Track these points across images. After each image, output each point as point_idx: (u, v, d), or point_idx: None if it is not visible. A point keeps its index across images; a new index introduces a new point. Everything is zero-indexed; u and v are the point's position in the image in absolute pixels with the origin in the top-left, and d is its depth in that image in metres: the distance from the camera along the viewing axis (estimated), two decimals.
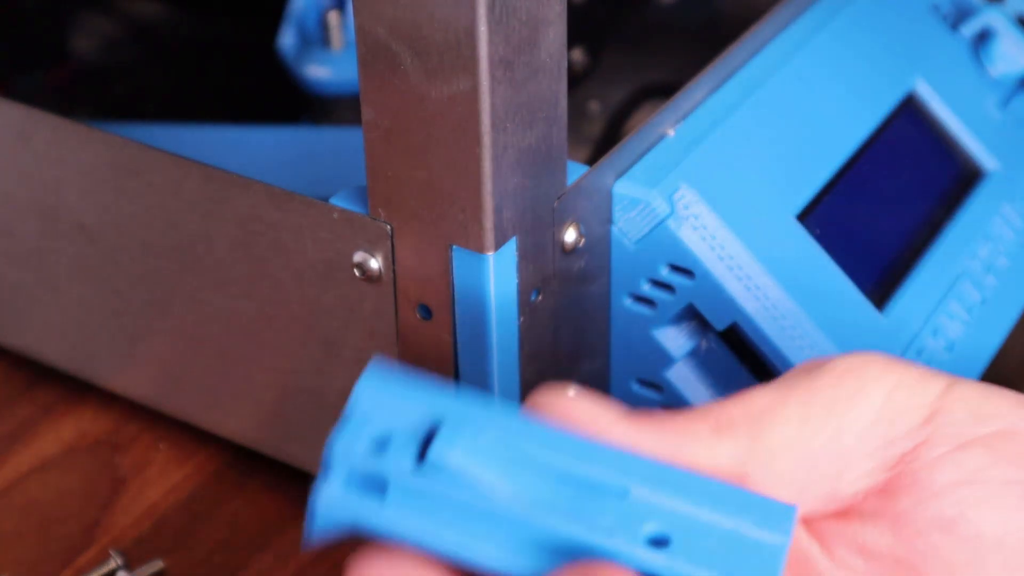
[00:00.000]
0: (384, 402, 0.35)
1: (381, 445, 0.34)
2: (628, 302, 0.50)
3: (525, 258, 0.46)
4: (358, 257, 0.47)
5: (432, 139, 0.43)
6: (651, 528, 0.35)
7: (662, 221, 0.48)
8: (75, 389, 0.61)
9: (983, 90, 0.59)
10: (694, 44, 0.70)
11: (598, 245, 0.49)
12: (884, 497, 0.37)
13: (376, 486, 0.34)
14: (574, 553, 0.34)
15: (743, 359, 0.50)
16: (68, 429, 0.60)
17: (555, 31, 0.44)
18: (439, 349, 0.47)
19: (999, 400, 0.38)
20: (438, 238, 0.45)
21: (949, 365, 0.51)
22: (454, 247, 0.45)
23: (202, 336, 0.54)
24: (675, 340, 0.50)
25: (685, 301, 0.48)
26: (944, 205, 0.56)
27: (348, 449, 0.34)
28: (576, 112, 0.66)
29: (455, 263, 0.45)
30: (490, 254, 0.44)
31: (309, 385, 0.52)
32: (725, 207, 0.48)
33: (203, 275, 0.52)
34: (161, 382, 0.57)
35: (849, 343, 0.48)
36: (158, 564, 0.53)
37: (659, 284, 0.49)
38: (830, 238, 0.51)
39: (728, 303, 0.48)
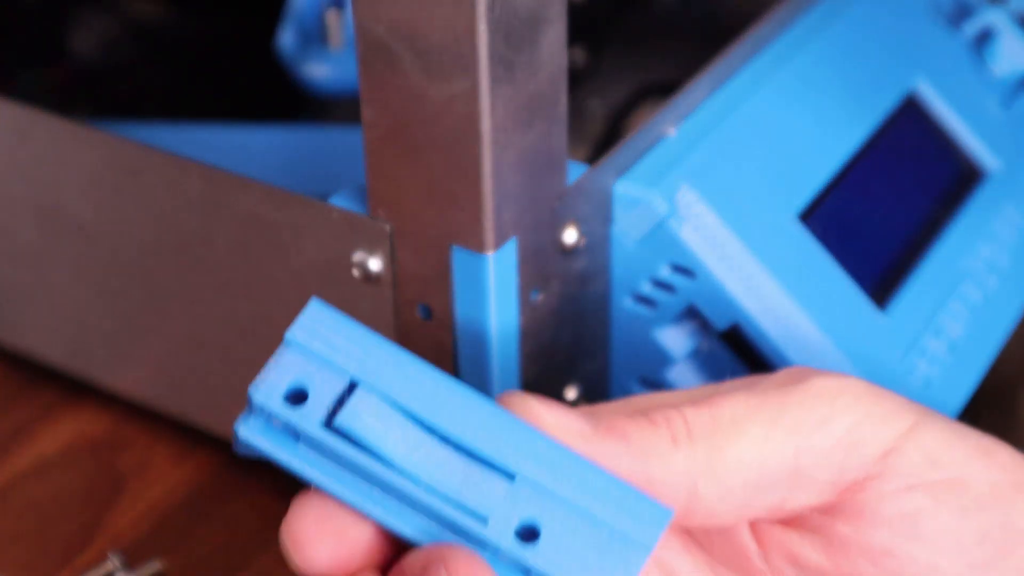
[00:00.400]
0: (313, 348, 0.36)
1: (299, 397, 0.36)
2: (628, 302, 0.50)
3: (525, 258, 0.46)
4: (358, 257, 0.47)
5: (432, 139, 0.43)
6: (525, 516, 0.36)
7: (662, 221, 0.48)
8: (74, 389, 0.61)
9: (984, 90, 0.59)
10: (694, 44, 0.70)
11: (598, 245, 0.49)
12: (827, 517, 0.39)
13: (290, 433, 0.36)
14: (454, 529, 0.36)
15: (743, 359, 0.50)
16: (67, 429, 0.60)
17: (555, 31, 0.44)
18: (439, 349, 0.47)
19: (957, 448, 0.40)
20: (438, 238, 0.45)
21: (950, 365, 0.51)
22: (454, 247, 0.45)
23: (202, 336, 0.54)
24: (675, 340, 0.50)
25: (686, 301, 0.48)
26: (945, 205, 0.56)
27: (268, 396, 0.36)
28: (576, 112, 0.66)
29: (455, 263, 0.45)
30: (490, 254, 0.44)
31: None
32: (726, 207, 0.48)
33: (203, 275, 0.52)
34: (161, 382, 0.57)
35: (850, 343, 0.48)
36: (157, 564, 0.53)
37: (659, 284, 0.49)
38: (831, 238, 0.51)
39: (729, 303, 0.48)
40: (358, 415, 0.36)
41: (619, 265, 0.49)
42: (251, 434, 0.37)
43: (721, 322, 0.48)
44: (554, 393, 0.50)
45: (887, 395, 0.40)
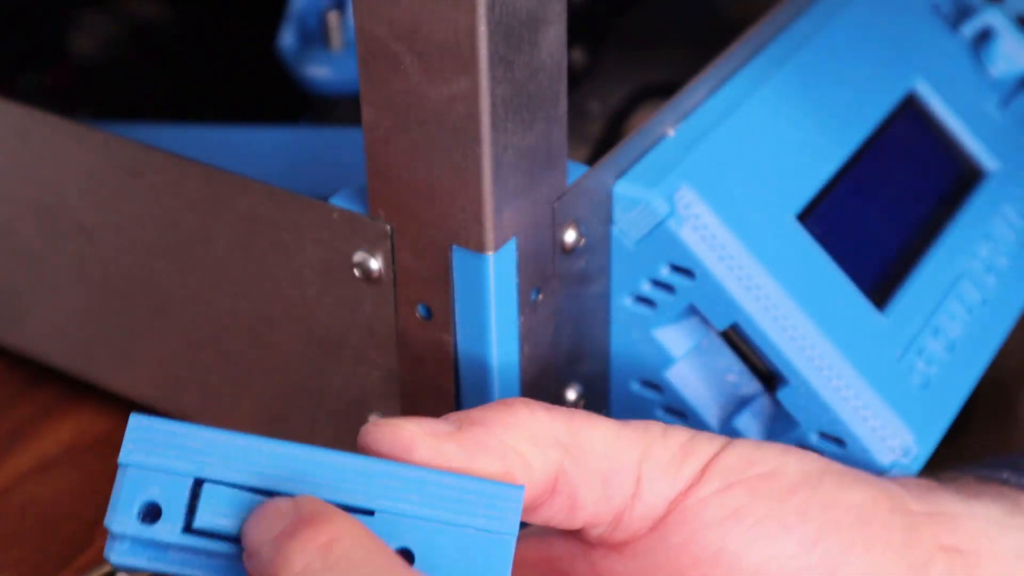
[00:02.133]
0: (148, 463, 0.38)
1: (153, 513, 0.38)
2: (628, 302, 0.50)
3: (525, 258, 0.46)
4: (358, 257, 0.47)
5: (432, 139, 0.43)
6: (394, 546, 0.37)
7: (662, 221, 0.48)
8: (75, 389, 0.61)
9: (983, 90, 0.59)
10: (693, 45, 0.70)
11: (598, 245, 0.49)
12: (657, 535, 0.42)
13: (156, 546, 0.38)
14: None
15: (743, 359, 0.50)
16: (68, 429, 0.60)
17: (555, 31, 0.44)
18: (439, 349, 0.47)
19: (767, 449, 0.43)
20: (438, 238, 0.45)
21: (949, 365, 0.51)
22: (454, 247, 0.45)
23: (202, 336, 0.54)
24: (675, 340, 0.50)
25: (685, 301, 0.48)
26: (944, 205, 0.56)
27: (124, 523, 0.37)
28: (576, 112, 0.66)
29: (455, 263, 0.45)
30: (490, 254, 0.44)
31: (309, 385, 0.52)
32: (725, 207, 0.48)
33: (203, 275, 0.52)
34: (161, 382, 0.57)
35: (849, 343, 0.48)
36: None
37: (659, 284, 0.49)
38: (830, 238, 0.51)
39: (728, 303, 0.48)
40: (211, 510, 0.37)
41: (619, 265, 0.49)
42: (123, 559, 0.38)
43: (721, 322, 0.48)
44: (554, 393, 0.50)
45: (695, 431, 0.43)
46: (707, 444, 0.42)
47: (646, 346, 0.50)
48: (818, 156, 0.52)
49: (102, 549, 0.54)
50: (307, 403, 0.52)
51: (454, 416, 0.40)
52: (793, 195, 0.51)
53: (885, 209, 0.54)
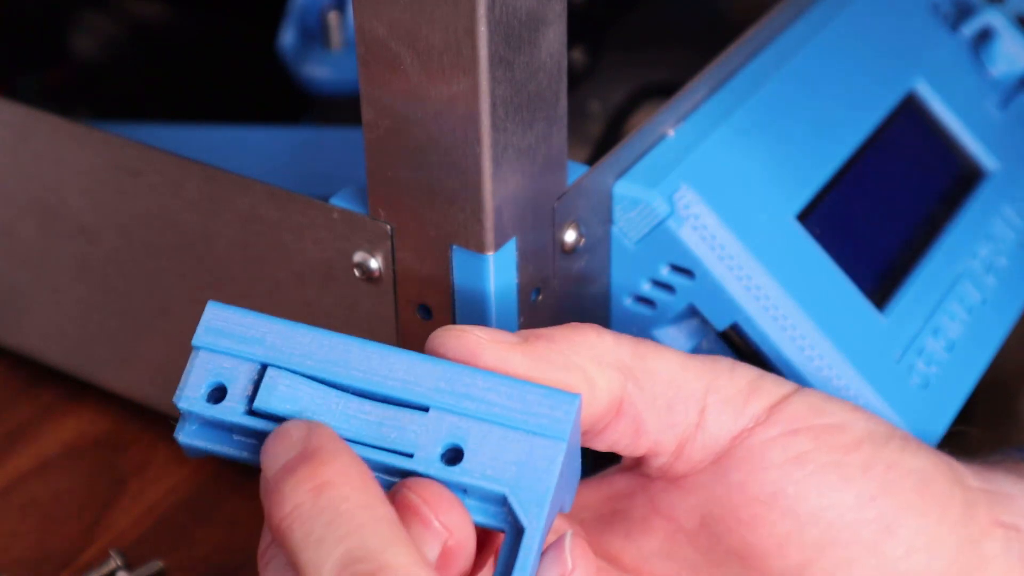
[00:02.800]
0: (219, 346, 0.40)
1: (218, 394, 0.39)
2: (628, 302, 0.50)
3: (525, 258, 0.46)
4: (358, 257, 0.47)
5: (432, 139, 0.43)
6: (446, 441, 0.38)
7: (662, 221, 0.48)
8: (75, 389, 0.61)
9: (983, 90, 0.59)
10: (695, 44, 0.70)
11: (598, 245, 0.49)
12: (718, 470, 0.42)
13: (222, 427, 0.40)
14: (386, 470, 0.39)
15: (743, 359, 0.50)
16: (68, 429, 0.60)
17: (555, 31, 0.44)
18: None
19: (836, 403, 0.43)
20: (438, 238, 0.45)
21: (949, 365, 0.51)
22: (454, 247, 0.45)
23: None
24: (675, 340, 0.50)
25: (685, 301, 0.48)
26: (944, 205, 0.56)
27: (191, 401, 0.40)
28: (576, 112, 0.66)
29: (455, 263, 0.45)
30: (490, 254, 0.44)
31: None
32: (725, 207, 0.48)
33: (203, 275, 0.52)
34: (161, 382, 0.57)
35: (849, 343, 0.48)
36: (158, 564, 0.53)
37: (659, 284, 0.49)
38: (830, 238, 0.51)
39: (728, 303, 0.48)
40: (271, 394, 0.39)
41: (619, 265, 0.49)
42: (190, 439, 0.40)
43: (720, 322, 0.48)
44: None
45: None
46: (775, 386, 0.43)
47: None
48: (818, 156, 0.52)
49: (102, 549, 0.55)
50: None
51: (522, 331, 0.40)
52: (793, 195, 0.51)
53: (885, 209, 0.54)
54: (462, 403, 0.38)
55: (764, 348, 0.48)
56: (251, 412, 0.39)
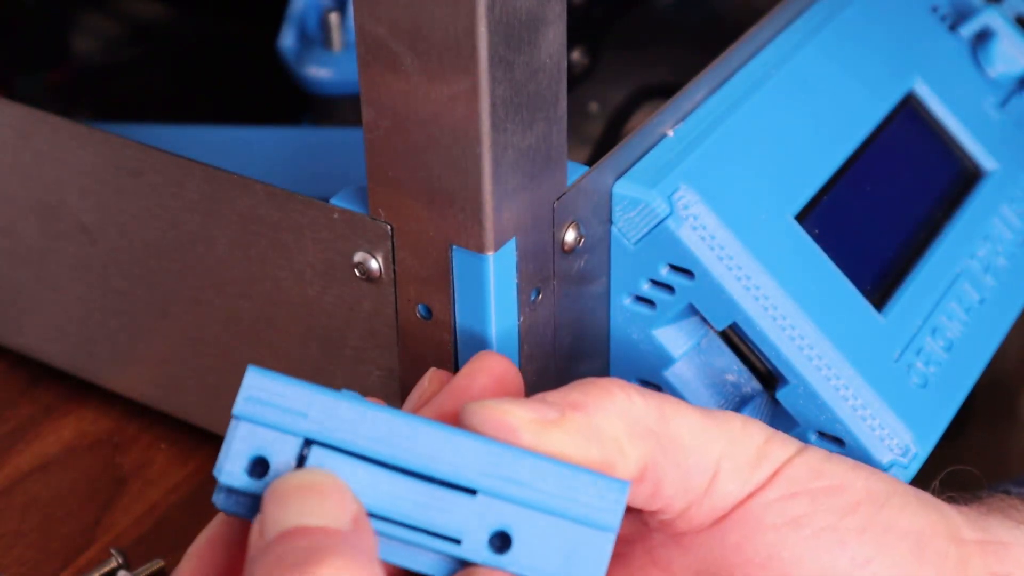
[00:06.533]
0: (261, 417, 0.38)
1: (260, 467, 0.38)
2: (628, 302, 0.50)
3: (525, 258, 0.46)
4: (358, 257, 0.47)
5: (432, 139, 0.43)
6: (494, 527, 0.38)
7: (662, 221, 0.48)
8: (76, 389, 0.61)
9: (982, 90, 0.59)
10: (694, 44, 0.70)
11: (598, 245, 0.49)
12: (716, 531, 0.42)
13: (259, 501, 0.38)
14: (433, 552, 0.38)
15: (743, 359, 0.50)
16: (69, 429, 0.60)
17: (555, 31, 0.44)
18: (439, 349, 0.47)
19: (838, 463, 0.43)
20: (438, 238, 0.45)
21: (948, 365, 0.51)
22: (454, 247, 0.45)
23: (202, 336, 0.54)
24: (675, 340, 0.50)
25: (685, 301, 0.48)
26: (943, 205, 0.56)
27: (231, 475, 0.38)
28: (576, 112, 0.66)
29: (455, 263, 0.45)
30: (490, 254, 0.45)
31: None
32: (725, 207, 0.48)
33: (203, 275, 0.52)
34: (161, 382, 0.57)
35: (848, 343, 0.49)
36: (158, 563, 0.53)
37: (659, 284, 0.49)
38: (829, 238, 0.51)
39: (728, 303, 0.48)
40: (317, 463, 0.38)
41: (618, 265, 0.49)
42: (229, 506, 0.39)
43: (720, 322, 0.48)
44: None
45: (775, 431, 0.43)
46: (781, 448, 0.42)
47: (646, 346, 0.50)
48: (817, 156, 0.52)
49: (102, 549, 0.55)
50: None
51: (553, 397, 0.40)
52: (792, 195, 0.51)
53: (884, 209, 0.54)
54: (509, 487, 0.38)
55: (763, 348, 0.48)
56: None
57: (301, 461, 0.38)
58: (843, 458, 0.44)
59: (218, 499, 0.38)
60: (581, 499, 0.38)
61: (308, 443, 0.38)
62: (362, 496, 0.37)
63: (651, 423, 0.40)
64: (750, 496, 0.42)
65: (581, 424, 0.39)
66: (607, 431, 0.40)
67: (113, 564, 0.53)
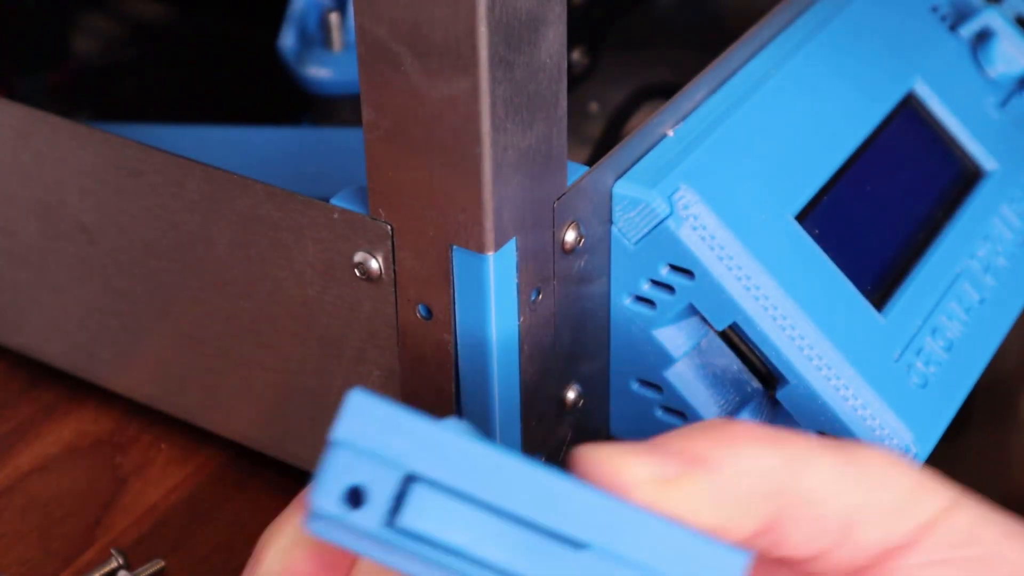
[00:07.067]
0: (361, 445, 0.35)
1: (356, 497, 0.35)
2: (628, 302, 0.50)
3: (525, 258, 0.46)
4: (358, 257, 0.47)
5: (432, 139, 0.43)
6: None
7: (662, 221, 0.48)
8: (76, 389, 0.61)
9: (982, 90, 0.59)
10: (694, 44, 0.70)
11: (598, 245, 0.49)
12: None
13: (353, 531, 0.35)
14: None
15: (743, 359, 0.50)
16: (69, 429, 0.60)
17: (555, 31, 0.44)
18: (439, 349, 0.47)
19: (991, 528, 0.39)
20: (438, 238, 0.45)
21: (948, 365, 0.51)
22: (454, 247, 0.45)
23: (202, 336, 0.54)
24: (675, 340, 0.50)
25: (685, 301, 0.48)
26: (943, 205, 0.56)
27: (326, 502, 0.35)
28: (576, 112, 0.66)
29: (455, 263, 0.45)
30: (490, 254, 0.45)
31: (309, 385, 0.52)
32: (725, 207, 0.48)
33: (203, 275, 0.52)
34: (161, 382, 0.57)
35: (848, 343, 0.49)
36: (159, 564, 0.53)
37: (659, 284, 0.49)
38: (829, 238, 0.51)
39: (728, 303, 0.48)
40: (419, 513, 0.35)
41: (618, 265, 0.49)
42: (320, 531, 0.36)
43: (720, 322, 0.48)
44: (554, 393, 0.50)
45: (926, 472, 0.39)
46: (931, 499, 0.38)
47: (646, 346, 0.50)
48: (817, 156, 0.52)
49: (103, 549, 0.55)
50: (307, 403, 0.53)
51: (675, 445, 0.37)
52: (792, 195, 0.51)
53: (884, 209, 0.54)
54: (621, 546, 0.35)
55: (763, 348, 0.48)
56: (391, 525, 0.35)
57: (401, 496, 0.35)
58: (998, 519, 0.40)
59: (311, 525, 0.36)
60: (695, 567, 0.35)
61: (409, 478, 0.35)
62: (467, 544, 0.35)
63: (780, 479, 0.37)
64: (890, 553, 0.38)
65: (704, 486, 0.36)
66: (731, 493, 0.37)
67: (113, 564, 0.53)
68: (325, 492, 0.35)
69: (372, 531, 0.35)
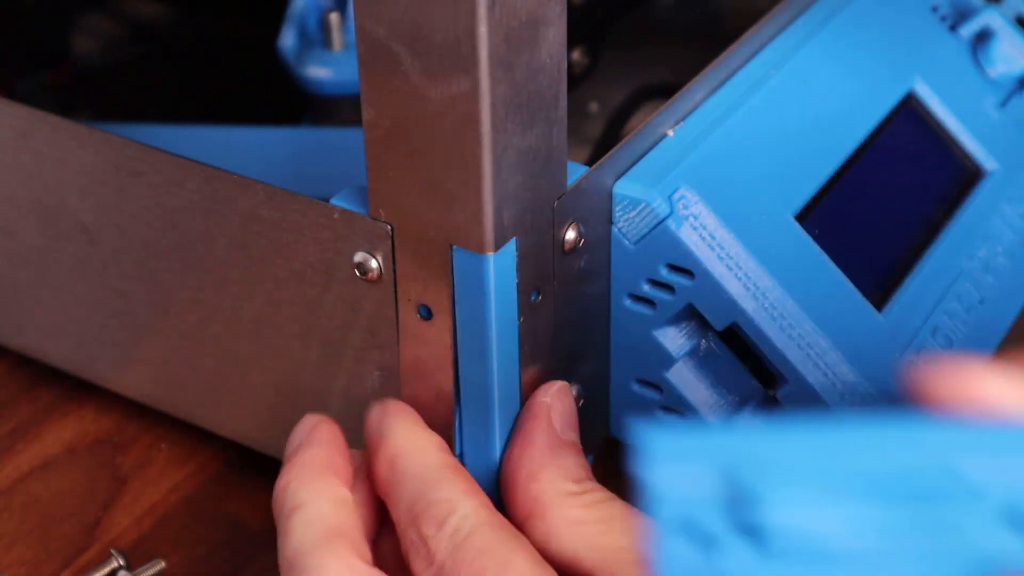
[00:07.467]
0: (675, 481, 0.31)
1: (700, 540, 0.31)
2: (628, 302, 0.50)
3: (525, 258, 0.46)
4: (358, 257, 0.47)
5: (432, 139, 0.43)
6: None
7: (662, 221, 0.48)
8: (76, 389, 0.61)
9: (982, 90, 0.59)
10: (694, 44, 0.70)
11: (598, 245, 0.49)
12: None
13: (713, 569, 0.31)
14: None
15: (743, 359, 0.50)
16: (69, 429, 0.60)
17: (555, 31, 0.44)
18: (439, 349, 0.47)
19: None
20: (438, 238, 0.45)
21: None
22: (454, 247, 0.45)
23: (202, 336, 0.54)
24: (675, 340, 0.50)
25: (685, 301, 0.48)
26: (943, 205, 0.56)
27: (671, 550, 0.31)
28: (576, 112, 0.66)
29: (455, 263, 0.45)
30: (490, 254, 0.45)
31: (309, 385, 0.52)
32: (725, 207, 0.48)
33: (203, 275, 0.52)
34: (162, 382, 0.57)
35: (848, 343, 0.49)
36: (159, 564, 0.53)
37: (659, 284, 0.49)
38: (829, 238, 0.51)
39: (728, 303, 0.48)
40: (779, 520, 0.30)
41: (618, 265, 0.49)
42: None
43: (720, 322, 0.48)
44: None
45: None
46: None
47: (646, 346, 0.50)
48: (817, 156, 0.52)
49: (102, 549, 0.55)
50: (307, 403, 0.53)
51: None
52: (792, 195, 0.51)
53: (884, 209, 0.54)
54: (1008, 471, 0.29)
55: (763, 348, 0.48)
56: (747, 534, 0.30)
57: (745, 515, 0.30)
58: None
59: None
60: None
61: (746, 494, 0.31)
62: (835, 535, 0.30)
63: None
64: None
65: None
66: None
67: (113, 564, 0.53)
68: (666, 546, 0.30)
69: (744, 565, 0.30)
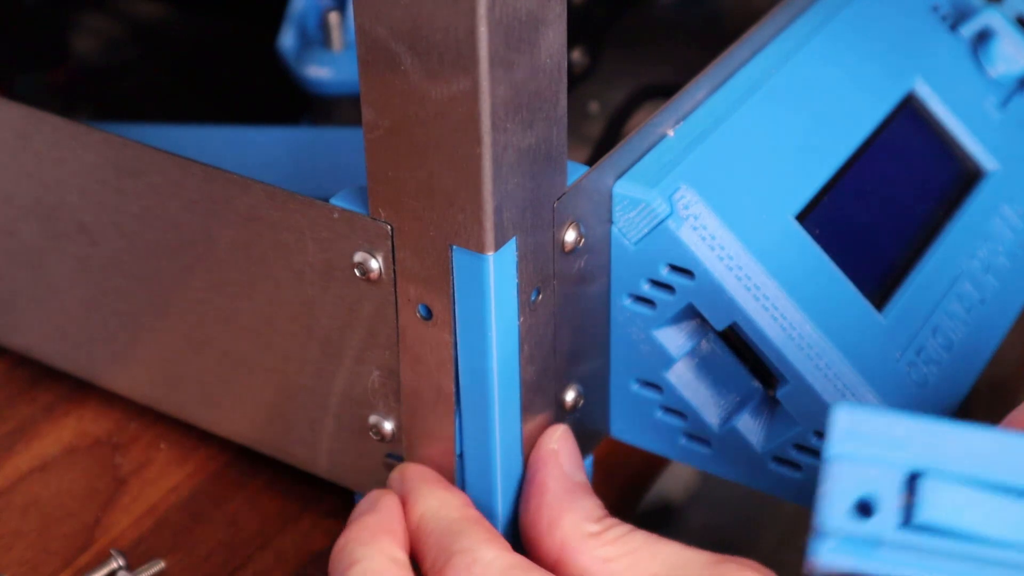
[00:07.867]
0: (857, 454, 0.35)
1: (865, 508, 0.35)
2: (628, 302, 0.50)
3: (525, 258, 0.46)
4: (358, 257, 0.47)
5: (432, 139, 0.43)
6: None
7: (662, 221, 0.48)
8: (76, 389, 0.61)
9: (982, 90, 0.59)
10: (694, 44, 0.70)
11: (598, 245, 0.49)
12: None
13: (869, 543, 0.35)
14: None
15: (743, 359, 0.50)
16: (69, 429, 0.60)
17: (555, 31, 0.44)
18: (439, 349, 0.47)
19: None
20: (438, 238, 0.45)
21: (948, 365, 0.51)
22: (454, 247, 0.45)
23: (202, 336, 0.54)
24: (675, 340, 0.50)
25: (685, 301, 0.48)
26: (943, 205, 0.56)
27: (837, 520, 0.35)
28: (576, 112, 0.66)
29: (455, 263, 0.45)
30: (490, 254, 0.45)
31: (309, 385, 0.52)
32: (725, 207, 0.48)
33: (203, 275, 0.52)
34: (161, 382, 0.57)
35: (848, 343, 0.49)
36: (158, 564, 0.53)
37: (659, 284, 0.49)
38: (829, 238, 0.51)
39: (728, 303, 0.48)
40: (934, 507, 0.34)
41: (618, 265, 0.49)
42: (831, 558, 0.35)
43: (720, 322, 0.48)
44: (554, 393, 0.50)
45: None
46: None
47: (646, 346, 0.50)
48: (817, 156, 0.52)
49: (102, 549, 0.55)
50: (307, 403, 0.53)
51: None
52: (792, 195, 0.51)
53: (884, 209, 0.54)
54: None
55: (763, 348, 0.48)
56: (907, 524, 0.35)
57: (911, 496, 0.35)
58: None
59: (818, 553, 0.35)
60: None
61: (916, 476, 0.35)
62: (985, 526, 0.34)
63: None
64: None
65: None
66: None
67: (113, 564, 0.53)
68: (834, 510, 0.35)
69: (888, 536, 0.34)
